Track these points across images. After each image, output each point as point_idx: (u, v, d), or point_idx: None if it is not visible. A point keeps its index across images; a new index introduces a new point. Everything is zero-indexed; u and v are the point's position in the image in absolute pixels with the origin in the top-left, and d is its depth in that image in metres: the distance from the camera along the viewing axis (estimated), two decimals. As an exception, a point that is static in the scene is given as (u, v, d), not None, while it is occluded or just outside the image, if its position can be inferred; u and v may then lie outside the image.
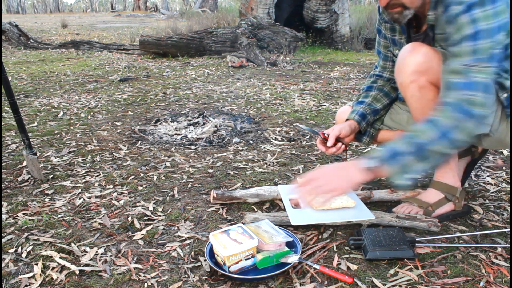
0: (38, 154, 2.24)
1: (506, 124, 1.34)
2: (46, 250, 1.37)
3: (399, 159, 1.20)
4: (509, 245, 1.35)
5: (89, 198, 1.77)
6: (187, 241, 1.42)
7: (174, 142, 2.50)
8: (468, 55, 1.18)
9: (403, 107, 1.67)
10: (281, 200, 1.67)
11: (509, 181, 1.89)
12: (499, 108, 1.30)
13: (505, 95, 1.28)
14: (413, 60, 1.34)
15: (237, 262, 1.21)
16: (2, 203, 1.72)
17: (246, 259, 1.22)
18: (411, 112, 1.46)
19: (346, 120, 1.66)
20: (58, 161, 2.18)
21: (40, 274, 1.25)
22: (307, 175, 1.27)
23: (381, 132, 1.73)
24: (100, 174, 2.01)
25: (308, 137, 2.57)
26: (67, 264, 1.29)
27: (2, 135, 2.61)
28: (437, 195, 1.54)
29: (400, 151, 1.20)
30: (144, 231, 1.49)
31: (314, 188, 1.24)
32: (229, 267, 1.20)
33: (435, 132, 1.19)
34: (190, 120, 2.92)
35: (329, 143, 1.58)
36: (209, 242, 1.32)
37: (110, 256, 1.34)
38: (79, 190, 1.84)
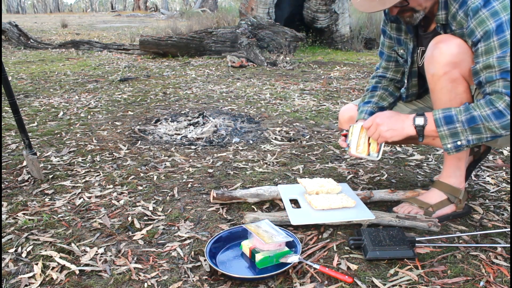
0: (38, 154, 2.24)
1: None
2: (46, 250, 1.37)
3: (450, 126, 1.28)
4: (509, 245, 1.35)
5: (89, 198, 1.77)
6: (187, 241, 1.42)
7: (174, 142, 2.50)
8: (497, 49, 1.21)
9: (408, 105, 1.68)
10: (281, 200, 1.67)
11: (509, 181, 1.89)
12: None
13: None
14: (448, 50, 1.31)
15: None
16: (2, 203, 1.72)
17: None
18: (437, 106, 1.41)
19: (357, 121, 1.64)
20: (58, 161, 2.18)
21: (40, 274, 1.25)
22: (371, 119, 1.41)
23: None
24: (100, 174, 2.01)
25: (308, 137, 2.57)
26: (67, 264, 1.29)
27: (2, 135, 2.61)
28: (440, 196, 1.53)
29: (454, 118, 1.27)
30: (144, 231, 1.49)
31: (378, 131, 1.38)
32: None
33: (489, 109, 1.23)
34: (190, 120, 2.92)
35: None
36: (209, 241, 1.33)
37: (110, 256, 1.34)
38: (79, 190, 1.84)
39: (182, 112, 3.18)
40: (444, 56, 1.31)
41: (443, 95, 1.36)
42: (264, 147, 2.40)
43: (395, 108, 1.72)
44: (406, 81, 1.61)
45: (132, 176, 1.98)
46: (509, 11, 1.19)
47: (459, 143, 1.29)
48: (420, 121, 1.32)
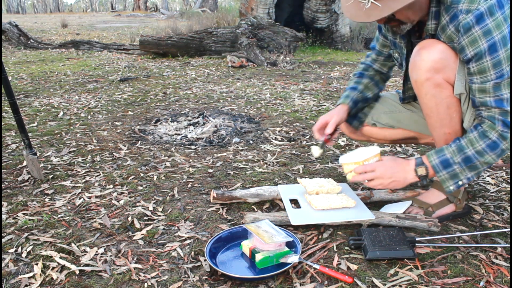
0: (38, 154, 2.24)
1: None
2: (46, 250, 1.37)
3: (449, 169, 1.30)
4: (509, 245, 1.35)
5: (89, 198, 1.77)
6: (187, 241, 1.42)
7: (174, 142, 2.50)
8: (490, 70, 1.20)
9: (406, 106, 1.68)
10: (281, 200, 1.67)
11: (509, 181, 1.89)
12: None
13: None
14: (430, 57, 1.30)
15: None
16: (2, 203, 1.72)
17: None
18: (424, 111, 1.43)
19: (339, 104, 1.67)
20: (58, 161, 2.18)
21: (40, 274, 1.25)
22: (367, 166, 1.35)
23: (379, 129, 1.73)
24: (100, 174, 2.01)
25: (308, 137, 2.57)
26: (67, 264, 1.29)
27: (2, 135, 2.61)
28: (439, 196, 1.53)
29: (451, 161, 1.30)
30: (144, 231, 1.49)
31: (376, 184, 1.35)
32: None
33: (484, 142, 1.24)
34: (190, 120, 2.92)
35: (329, 130, 1.59)
36: (209, 241, 1.33)
37: (110, 256, 1.34)
38: (79, 190, 1.84)
39: (182, 112, 3.18)
40: (425, 62, 1.31)
41: (428, 100, 1.37)
42: (264, 147, 2.40)
43: (391, 109, 1.71)
44: (402, 84, 1.61)
45: (132, 176, 1.98)
46: (504, 26, 1.16)
47: (460, 182, 1.32)
48: (422, 171, 1.33)
